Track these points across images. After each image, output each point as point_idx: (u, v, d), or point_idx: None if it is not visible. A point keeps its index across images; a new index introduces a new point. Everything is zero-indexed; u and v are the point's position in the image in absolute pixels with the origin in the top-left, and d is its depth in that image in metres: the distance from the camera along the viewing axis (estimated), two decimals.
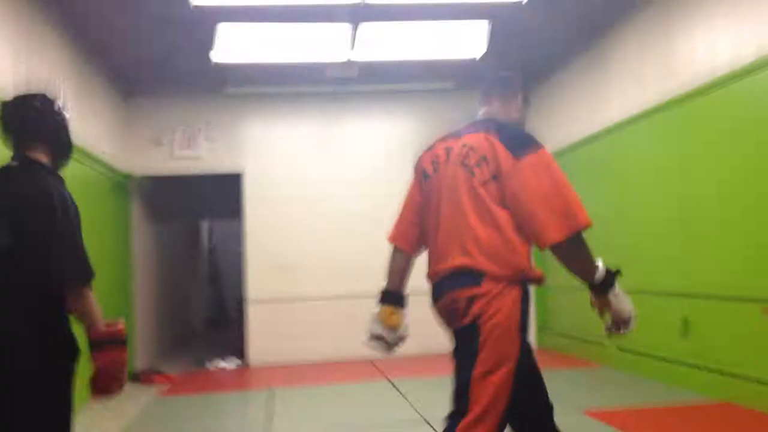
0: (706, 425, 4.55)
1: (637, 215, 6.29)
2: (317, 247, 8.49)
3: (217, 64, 7.19)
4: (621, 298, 2.42)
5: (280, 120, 8.75)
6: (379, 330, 2.79)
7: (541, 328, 8.77)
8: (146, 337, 8.89)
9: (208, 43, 6.58)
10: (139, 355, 8.34)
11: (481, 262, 2.39)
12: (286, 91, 8.47)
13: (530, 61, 7.69)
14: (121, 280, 7.84)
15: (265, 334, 8.40)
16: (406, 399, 5.83)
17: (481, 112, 2.75)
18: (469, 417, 2.36)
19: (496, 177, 2.41)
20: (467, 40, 6.97)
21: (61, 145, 2.60)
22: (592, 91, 7.32)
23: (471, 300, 2.39)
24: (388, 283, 2.86)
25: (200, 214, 13.21)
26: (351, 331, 8.49)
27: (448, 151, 2.62)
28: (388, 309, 2.82)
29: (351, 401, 6.02)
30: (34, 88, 2.64)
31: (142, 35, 6.33)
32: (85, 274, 2.40)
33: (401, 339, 2.80)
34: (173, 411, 5.98)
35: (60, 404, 2.38)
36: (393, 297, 2.84)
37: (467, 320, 2.41)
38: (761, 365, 4.80)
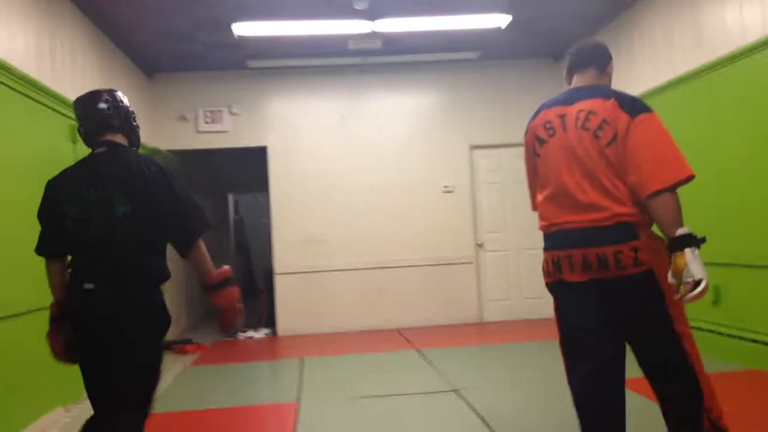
0: (733, 392, 4.53)
1: None
2: (343, 219, 8.54)
3: (240, 38, 7.19)
4: (697, 261, 2.53)
5: (304, 93, 8.74)
6: None
7: None
8: (177, 308, 9.04)
9: (230, 16, 6.59)
10: (171, 326, 8.49)
11: (631, 216, 2.62)
12: (309, 64, 8.45)
13: (556, 30, 7.58)
14: None
15: (293, 305, 8.51)
16: (435, 368, 5.88)
17: (577, 80, 2.94)
18: (683, 340, 2.70)
19: (616, 137, 2.64)
20: (492, 10, 6.88)
21: (134, 130, 2.96)
22: (620, 59, 7.19)
23: (634, 249, 2.60)
24: None
25: (227, 188, 13.31)
26: (378, 302, 8.60)
27: (562, 117, 2.80)
28: None
29: (380, 370, 6.09)
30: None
31: (164, 10, 6.34)
32: (203, 226, 2.77)
33: None
34: (205, 380, 6.11)
35: (155, 363, 2.79)
36: None
37: (632, 270, 2.61)
38: None
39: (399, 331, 8.26)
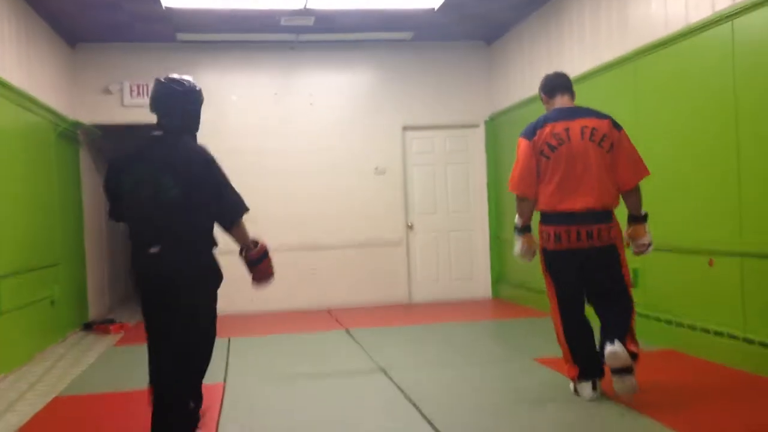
0: (650, 370, 4.71)
1: None
2: (274, 198, 8.43)
3: (168, 9, 6.97)
4: (648, 229, 4.06)
5: (235, 69, 8.57)
6: (525, 249, 4.16)
7: (497, 280, 8.92)
8: (99, 287, 8.78)
9: None
10: (92, 306, 8.25)
11: (611, 205, 3.95)
12: (240, 39, 8.27)
13: (488, 14, 7.64)
14: (71, 229, 7.69)
15: (221, 284, 8.35)
16: (363, 348, 5.90)
17: (563, 101, 4.11)
18: (628, 287, 4.04)
19: (612, 146, 3.91)
20: None
21: (191, 118, 3.39)
22: (550, 44, 7.33)
23: (610, 228, 3.91)
24: (525, 220, 4.12)
25: None
26: (308, 281, 8.56)
27: (567, 130, 3.92)
28: (530, 236, 4.15)
29: (308, 350, 6.08)
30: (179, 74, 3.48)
31: None
32: (243, 209, 3.31)
33: (533, 255, 4.18)
34: (128, 360, 5.95)
35: (211, 311, 3.34)
36: (529, 228, 4.13)
37: (607, 242, 3.92)
38: (704, 315, 4.98)
39: (329, 311, 8.25)
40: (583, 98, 6.66)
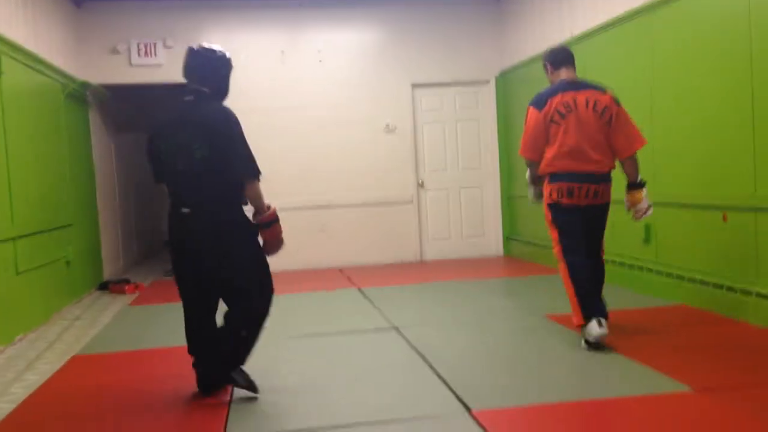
0: (661, 324, 4.74)
1: None
2: (283, 157, 8.41)
3: None
4: (647, 195, 4.38)
5: (242, 27, 8.47)
6: (538, 195, 4.59)
7: (508, 238, 8.92)
8: (113, 247, 8.86)
9: None
10: (106, 266, 8.34)
11: (611, 167, 4.36)
12: None
13: None
14: (83, 190, 7.72)
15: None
16: (376, 306, 5.95)
17: (568, 73, 4.44)
18: (602, 250, 4.53)
19: (611, 119, 4.28)
20: None
21: (220, 83, 3.61)
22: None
23: (609, 188, 4.36)
24: (534, 176, 4.54)
25: None
26: (320, 241, 8.59)
27: (574, 99, 4.30)
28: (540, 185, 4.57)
29: (320, 309, 6.13)
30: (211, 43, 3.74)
31: None
32: (255, 173, 3.51)
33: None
34: (143, 319, 6.04)
35: (258, 252, 3.62)
36: (539, 179, 4.53)
37: (606, 200, 4.37)
38: (717, 270, 4.97)
39: (340, 270, 8.30)
40: (596, 53, 6.62)
